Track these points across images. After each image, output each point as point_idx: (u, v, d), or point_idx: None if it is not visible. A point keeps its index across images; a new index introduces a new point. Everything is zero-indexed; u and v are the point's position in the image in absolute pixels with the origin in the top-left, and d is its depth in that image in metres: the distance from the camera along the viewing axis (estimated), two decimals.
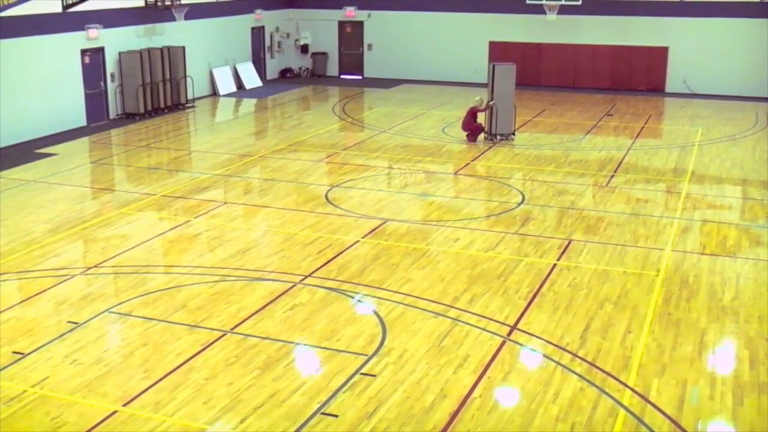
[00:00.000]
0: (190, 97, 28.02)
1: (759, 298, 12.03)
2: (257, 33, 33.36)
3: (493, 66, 22.14)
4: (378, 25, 34.08)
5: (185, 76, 27.42)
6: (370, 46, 34.46)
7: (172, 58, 26.93)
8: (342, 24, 34.78)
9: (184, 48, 27.32)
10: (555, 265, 13.35)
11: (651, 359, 10.16)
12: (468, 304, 11.80)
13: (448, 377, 9.72)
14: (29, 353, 10.30)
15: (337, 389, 9.40)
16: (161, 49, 26.58)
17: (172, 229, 15.30)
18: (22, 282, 12.69)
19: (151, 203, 16.86)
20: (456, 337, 10.76)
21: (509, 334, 10.89)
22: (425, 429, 8.67)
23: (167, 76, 26.74)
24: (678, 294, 12.20)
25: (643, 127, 24.63)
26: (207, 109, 28.28)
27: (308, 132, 23.64)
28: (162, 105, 26.61)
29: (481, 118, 22.54)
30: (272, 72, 34.52)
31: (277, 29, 34.67)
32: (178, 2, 27.18)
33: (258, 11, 32.91)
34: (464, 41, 32.70)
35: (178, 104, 27.34)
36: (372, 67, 34.46)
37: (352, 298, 12.03)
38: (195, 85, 28.63)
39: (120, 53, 25.48)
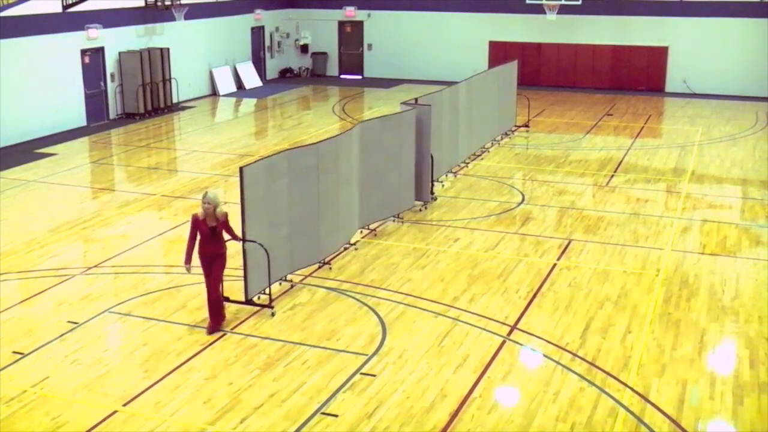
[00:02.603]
0: (189, 97, 28.02)
1: (759, 298, 12.03)
2: (257, 33, 33.37)
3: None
4: (378, 25, 34.08)
5: (170, 78, 27.43)
6: (370, 46, 34.46)
7: (173, 58, 26.95)
8: (342, 24, 34.78)
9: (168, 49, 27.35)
10: (555, 265, 13.35)
11: (651, 359, 10.16)
12: (468, 303, 11.81)
13: (448, 377, 9.72)
14: (29, 353, 10.30)
15: (337, 389, 9.41)
16: (161, 50, 26.60)
17: (172, 229, 15.30)
18: (22, 282, 12.69)
19: (151, 203, 16.86)
20: (456, 337, 10.77)
21: (509, 334, 10.89)
22: (425, 429, 8.67)
23: (167, 76, 26.76)
24: (678, 294, 12.20)
25: (643, 127, 24.63)
26: (207, 109, 28.28)
27: (308, 132, 23.63)
28: (162, 105, 26.63)
29: None
30: (272, 72, 34.52)
31: (277, 29, 34.68)
32: (178, 2, 27.18)
33: (258, 11, 32.91)
34: (464, 41, 32.70)
35: (178, 104, 27.36)
36: (372, 67, 34.46)
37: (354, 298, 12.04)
38: (195, 85, 28.65)
39: (120, 53, 25.49)
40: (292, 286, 12.20)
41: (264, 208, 11.52)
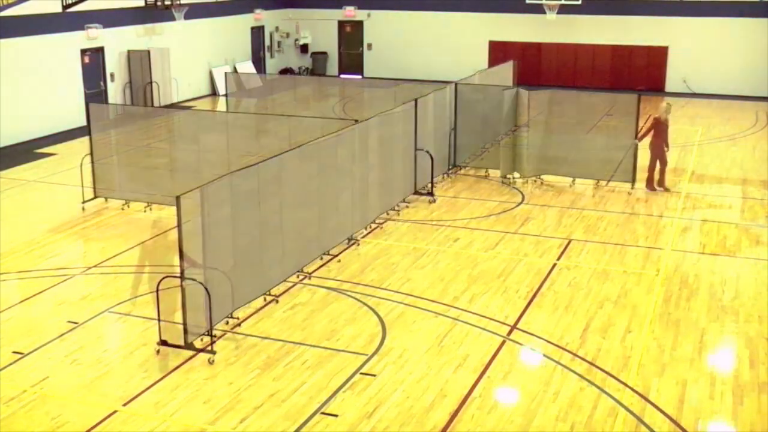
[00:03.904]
0: (189, 96, 28.02)
1: (759, 298, 12.02)
2: (257, 33, 33.37)
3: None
4: (378, 24, 34.08)
5: (170, 78, 27.43)
6: (369, 46, 34.46)
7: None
8: (342, 24, 34.78)
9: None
10: (555, 264, 13.35)
11: (651, 359, 10.16)
12: (468, 303, 11.81)
13: (448, 377, 9.72)
14: (29, 353, 10.30)
15: (337, 389, 9.41)
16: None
17: (172, 228, 15.27)
18: (22, 282, 12.69)
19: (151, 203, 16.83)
20: (456, 336, 10.76)
21: (509, 333, 10.89)
22: (425, 429, 8.67)
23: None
24: (678, 294, 12.20)
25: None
26: (207, 109, 28.23)
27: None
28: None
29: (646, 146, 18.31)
30: (272, 72, 34.51)
31: (277, 29, 34.68)
32: (178, 2, 27.18)
33: (258, 11, 32.91)
34: (464, 41, 32.70)
35: (178, 104, 27.36)
36: (372, 67, 34.46)
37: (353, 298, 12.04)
38: (194, 85, 28.61)
39: (120, 53, 25.49)
40: (238, 325, 11.04)
41: (205, 240, 10.54)
